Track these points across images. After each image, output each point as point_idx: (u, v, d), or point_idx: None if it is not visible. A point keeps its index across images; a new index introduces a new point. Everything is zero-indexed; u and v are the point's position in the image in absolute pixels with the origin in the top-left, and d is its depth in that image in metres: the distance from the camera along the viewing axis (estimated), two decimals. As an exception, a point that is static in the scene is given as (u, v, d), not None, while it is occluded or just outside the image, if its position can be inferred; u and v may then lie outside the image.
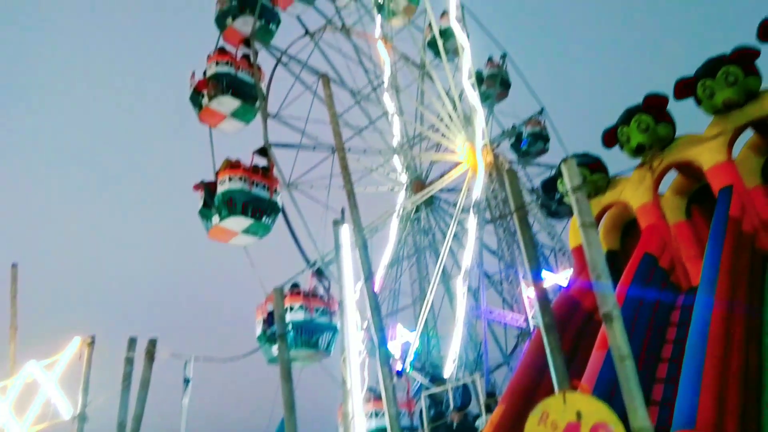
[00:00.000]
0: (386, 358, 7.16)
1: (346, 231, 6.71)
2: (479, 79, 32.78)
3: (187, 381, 9.91)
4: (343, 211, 10.05)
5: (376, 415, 20.35)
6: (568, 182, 5.48)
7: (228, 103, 23.73)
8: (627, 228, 15.46)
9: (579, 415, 4.88)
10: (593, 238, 5.35)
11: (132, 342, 11.51)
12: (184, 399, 9.72)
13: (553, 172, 16.85)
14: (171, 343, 10.95)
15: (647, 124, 13.61)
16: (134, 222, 75.98)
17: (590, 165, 15.12)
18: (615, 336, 5.00)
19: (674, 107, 13.88)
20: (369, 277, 7.17)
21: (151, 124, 78.99)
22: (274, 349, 21.13)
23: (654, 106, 13.58)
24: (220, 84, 23.50)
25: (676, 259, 13.06)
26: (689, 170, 13.67)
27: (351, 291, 6.41)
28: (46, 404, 12.43)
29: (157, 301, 63.31)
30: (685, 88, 13.17)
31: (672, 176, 14.27)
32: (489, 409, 17.29)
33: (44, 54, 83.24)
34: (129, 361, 11.30)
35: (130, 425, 10.77)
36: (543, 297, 5.49)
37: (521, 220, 5.70)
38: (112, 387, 10.60)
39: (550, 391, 11.46)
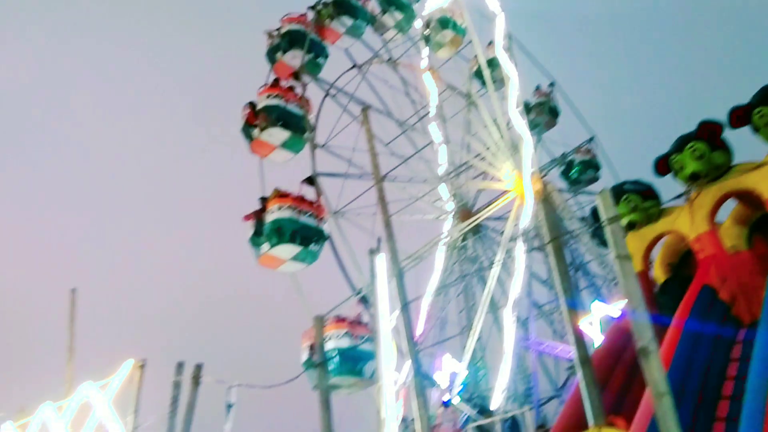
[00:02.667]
0: (421, 387, 7.03)
1: (382, 260, 6.71)
2: (527, 108, 32.60)
3: (229, 406, 10.00)
4: (379, 240, 10.07)
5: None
6: (602, 214, 5.36)
7: (278, 135, 24.37)
8: (683, 258, 14.89)
9: None
10: (628, 269, 5.21)
11: (180, 366, 11.75)
12: (227, 424, 9.81)
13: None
14: (218, 369, 11.13)
15: (702, 152, 13.23)
16: (187, 249, 78.44)
17: (642, 192, 14.72)
18: (652, 371, 4.80)
19: (730, 135, 13.44)
20: (405, 306, 7.12)
21: (205, 154, 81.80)
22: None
23: (709, 133, 13.21)
24: (270, 116, 24.18)
25: (737, 291, 12.51)
26: (749, 198, 13.13)
27: (386, 320, 6.37)
28: (100, 425, 12.77)
29: (206, 326, 64.67)
30: (740, 116, 12.79)
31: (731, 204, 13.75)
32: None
33: (94, 75, 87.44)
34: (176, 385, 11.53)
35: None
36: (576, 330, 5.33)
37: (556, 251, 5.59)
38: (160, 409, 10.83)
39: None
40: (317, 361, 6.44)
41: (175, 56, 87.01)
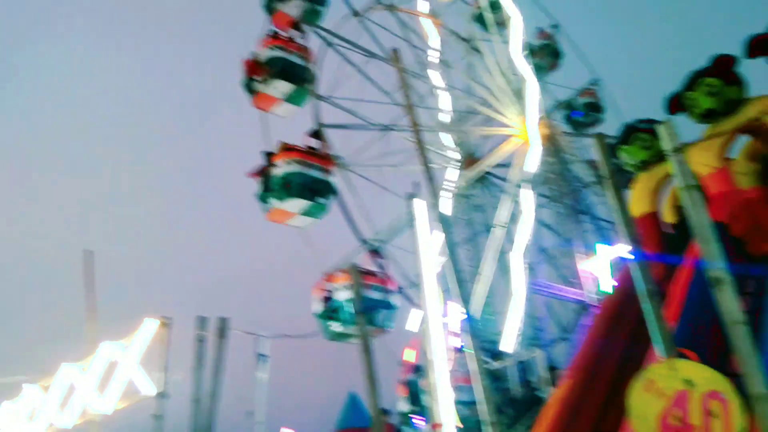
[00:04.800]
0: (475, 330, 7.18)
1: (420, 204, 6.72)
2: (530, 50, 32.02)
3: (262, 356, 10.24)
4: (416, 185, 10.07)
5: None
6: (667, 144, 5.33)
7: (282, 87, 23.91)
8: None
9: (689, 383, 4.78)
10: (698, 200, 5.21)
11: (202, 321, 11.94)
12: (260, 373, 10.07)
13: (613, 141, 16.34)
14: (242, 324, 11.33)
15: (715, 88, 12.99)
16: (198, 207, 78.94)
17: (655, 131, 14.56)
18: (727, 301, 4.88)
19: (746, 67, 13.19)
20: (452, 250, 7.17)
21: (212, 110, 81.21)
22: (333, 326, 21.57)
23: (722, 67, 12.94)
24: (273, 68, 23.67)
25: (749, 227, 12.56)
26: (761, 134, 13.03)
27: (429, 263, 6.45)
28: (128, 383, 13.06)
29: (225, 282, 65.58)
30: (757, 45, 12.45)
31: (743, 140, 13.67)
32: (551, 383, 17.22)
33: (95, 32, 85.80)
34: (200, 340, 11.74)
35: (206, 402, 11.24)
36: (642, 263, 5.37)
37: (615, 187, 5.58)
38: (190, 365, 11.07)
39: (616, 364, 11.30)
40: (356, 309, 6.55)
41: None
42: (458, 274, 7.12)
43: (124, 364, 13.25)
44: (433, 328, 6.04)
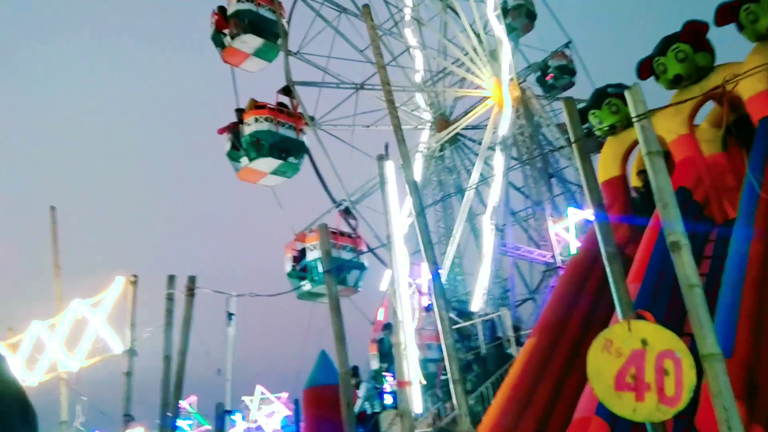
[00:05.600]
0: (441, 290, 7.30)
1: (390, 166, 6.71)
2: (504, 10, 31.64)
3: (230, 315, 10.27)
4: (386, 146, 9.99)
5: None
6: (632, 110, 5.38)
7: (251, 42, 23.22)
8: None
9: (644, 342, 4.97)
10: (660, 166, 5.31)
11: (171, 279, 11.87)
12: (230, 329, 10.10)
13: (584, 105, 16.43)
14: (212, 281, 11.30)
15: (685, 54, 13.11)
16: (169, 162, 77.45)
17: (623, 97, 14.65)
18: (683, 264, 5.05)
19: (714, 34, 13.31)
20: (421, 212, 7.19)
21: (184, 65, 78.80)
22: (304, 285, 21.70)
23: (693, 34, 13.04)
24: (242, 22, 22.92)
25: (711, 192, 12.88)
26: (727, 101, 13.23)
27: (399, 225, 6.48)
28: (96, 340, 13.01)
29: (195, 239, 64.96)
30: (727, 13, 12.58)
31: (709, 106, 13.89)
32: (517, 342, 17.74)
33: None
34: (169, 297, 11.69)
35: (176, 359, 11.27)
36: (604, 226, 5.48)
37: (581, 151, 5.63)
38: (157, 323, 11.06)
39: (580, 324, 11.66)
40: (325, 268, 6.60)
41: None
42: (427, 236, 7.16)
43: (93, 322, 13.17)
44: (401, 288, 6.14)
